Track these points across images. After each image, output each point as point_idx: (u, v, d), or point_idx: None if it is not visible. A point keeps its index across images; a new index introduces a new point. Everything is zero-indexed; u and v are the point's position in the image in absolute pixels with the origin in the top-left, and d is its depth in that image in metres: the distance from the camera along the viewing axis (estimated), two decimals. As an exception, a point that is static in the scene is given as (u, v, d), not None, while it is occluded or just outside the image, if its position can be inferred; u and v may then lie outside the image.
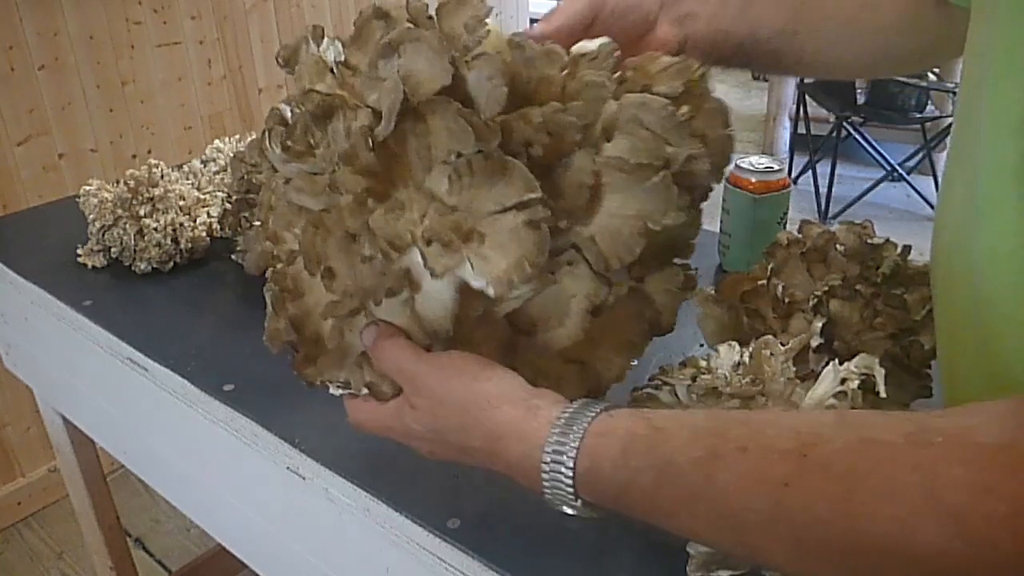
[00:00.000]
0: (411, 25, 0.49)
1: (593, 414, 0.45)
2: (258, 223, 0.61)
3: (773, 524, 0.38)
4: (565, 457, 0.44)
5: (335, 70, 0.52)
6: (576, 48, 0.51)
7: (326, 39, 0.53)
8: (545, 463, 0.45)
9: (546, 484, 0.45)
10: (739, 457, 0.39)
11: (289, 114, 0.53)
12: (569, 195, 0.48)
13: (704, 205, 0.52)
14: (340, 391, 0.55)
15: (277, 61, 0.54)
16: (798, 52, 0.66)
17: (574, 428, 0.45)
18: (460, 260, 0.46)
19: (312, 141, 0.51)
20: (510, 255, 0.45)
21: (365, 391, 0.54)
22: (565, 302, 0.50)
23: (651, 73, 0.51)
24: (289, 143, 0.51)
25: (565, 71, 0.50)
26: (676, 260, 0.53)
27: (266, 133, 0.53)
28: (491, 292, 0.46)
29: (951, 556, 0.33)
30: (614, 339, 0.52)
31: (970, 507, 0.33)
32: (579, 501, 0.45)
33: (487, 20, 0.49)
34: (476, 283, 0.46)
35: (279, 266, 0.54)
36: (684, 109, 0.49)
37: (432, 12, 0.51)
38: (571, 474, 0.44)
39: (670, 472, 0.41)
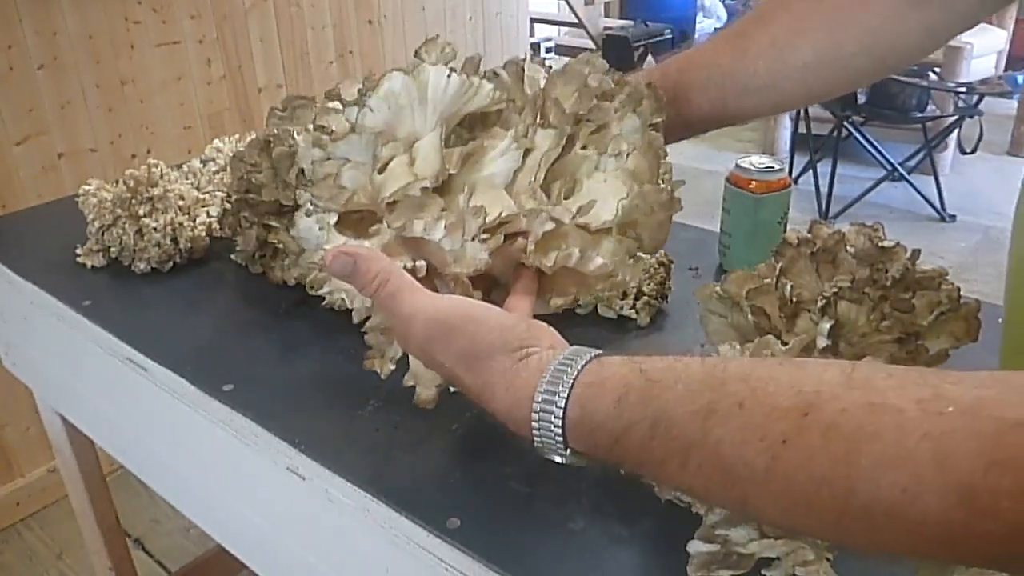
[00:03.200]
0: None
1: (584, 361, 0.45)
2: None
3: (767, 480, 0.38)
4: (554, 407, 0.44)
5: None
6: None
7: None
8: (535, 412, 0.45)
9: (536, 433, 0.45)
10: (736, 412, 0.39)
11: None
12: None
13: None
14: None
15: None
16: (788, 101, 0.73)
17: (563, 378, 0.45)
18: None
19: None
20: None
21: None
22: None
23: None
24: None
25: None
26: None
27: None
28: None
29: (951, 525, 0.33)
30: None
31: (978, 480, 0.32)
32: (568, 450, 0.45)
33: None
34: None
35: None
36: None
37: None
38: (560, 424, 0.44)
39: (665, 424, 0.41)
